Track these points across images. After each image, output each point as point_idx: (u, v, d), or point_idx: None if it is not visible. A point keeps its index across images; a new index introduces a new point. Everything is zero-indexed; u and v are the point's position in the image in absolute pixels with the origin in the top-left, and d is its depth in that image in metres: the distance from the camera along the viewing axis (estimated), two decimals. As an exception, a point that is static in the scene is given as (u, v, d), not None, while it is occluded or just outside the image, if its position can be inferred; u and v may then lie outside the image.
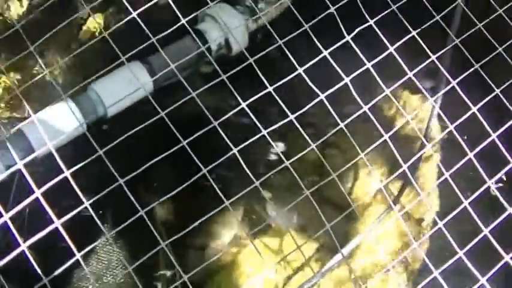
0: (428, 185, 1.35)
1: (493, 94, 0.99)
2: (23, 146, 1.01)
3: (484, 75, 1.01)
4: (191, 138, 0.82)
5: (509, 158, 0.96)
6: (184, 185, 0.80)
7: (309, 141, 0.88)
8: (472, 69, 1.00)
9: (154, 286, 1.22)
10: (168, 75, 1.02)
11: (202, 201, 1.00)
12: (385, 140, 0.92)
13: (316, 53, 0.93)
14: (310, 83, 0.86)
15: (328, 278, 1.26)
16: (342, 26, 0.87)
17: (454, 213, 0.89)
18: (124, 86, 1.10)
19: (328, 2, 0.90)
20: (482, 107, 0.98)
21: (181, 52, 1.13)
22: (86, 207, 0.75)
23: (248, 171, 0.80)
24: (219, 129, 0.82)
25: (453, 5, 1.11)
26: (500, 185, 1.01)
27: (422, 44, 0.98)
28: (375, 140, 0.93)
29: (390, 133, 0.94)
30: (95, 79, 1.00)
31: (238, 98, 0.85)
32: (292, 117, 0.87)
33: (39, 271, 0.69)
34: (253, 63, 0.87)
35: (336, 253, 1.24)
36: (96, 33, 1.42)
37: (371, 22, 0.90)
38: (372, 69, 0.93)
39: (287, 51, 0.87)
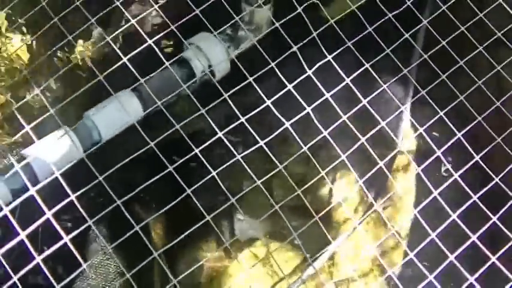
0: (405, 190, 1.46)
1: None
2: (26, 171, 1.10)
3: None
4: (175, 165, 0.92)
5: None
6: (170, 205, 0.90)
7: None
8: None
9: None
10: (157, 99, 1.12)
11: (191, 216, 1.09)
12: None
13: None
14: (277, 113, 0.96)
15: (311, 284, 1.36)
16: (303, 63, 0.96)
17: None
18: (117, 113, 1.20)
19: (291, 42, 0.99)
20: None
21: (168, 79, 1.24)
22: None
23: (225, 189, 0.90)
24: (200, 156, 0.91)
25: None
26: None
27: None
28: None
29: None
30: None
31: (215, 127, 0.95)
32: (262, 143, 0.96)
33: (53, 281, 0.78)
34: (228, 98, 0.97)
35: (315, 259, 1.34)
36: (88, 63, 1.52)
37: (329, 58, 1.00)
38: (330, 99, 1.03)
39: (256, 86, 0.97)
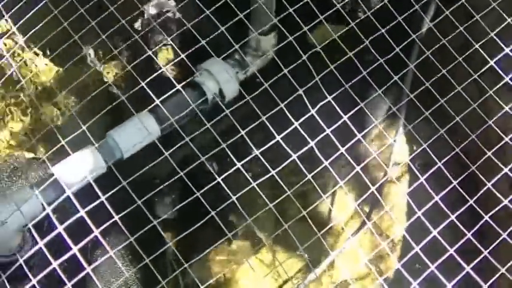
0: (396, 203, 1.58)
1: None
2: (55, 186, 1.22)
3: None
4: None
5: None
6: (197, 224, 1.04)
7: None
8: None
9: None
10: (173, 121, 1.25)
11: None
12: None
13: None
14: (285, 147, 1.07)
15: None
16: (308, 104, 1.07)
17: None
18: (136, 132, 1.32)
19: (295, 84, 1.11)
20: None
21: (182, 102, 1.36)
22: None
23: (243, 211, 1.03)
24: (221, 181, 1.04)
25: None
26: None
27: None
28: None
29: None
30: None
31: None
32: (273, 172, 1.07)
33: (68, 283, 0.89)
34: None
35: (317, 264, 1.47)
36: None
37: (329, 98, 1.09)
38: (330, 134, 1.11)
39: (268, 124, 1.10)
